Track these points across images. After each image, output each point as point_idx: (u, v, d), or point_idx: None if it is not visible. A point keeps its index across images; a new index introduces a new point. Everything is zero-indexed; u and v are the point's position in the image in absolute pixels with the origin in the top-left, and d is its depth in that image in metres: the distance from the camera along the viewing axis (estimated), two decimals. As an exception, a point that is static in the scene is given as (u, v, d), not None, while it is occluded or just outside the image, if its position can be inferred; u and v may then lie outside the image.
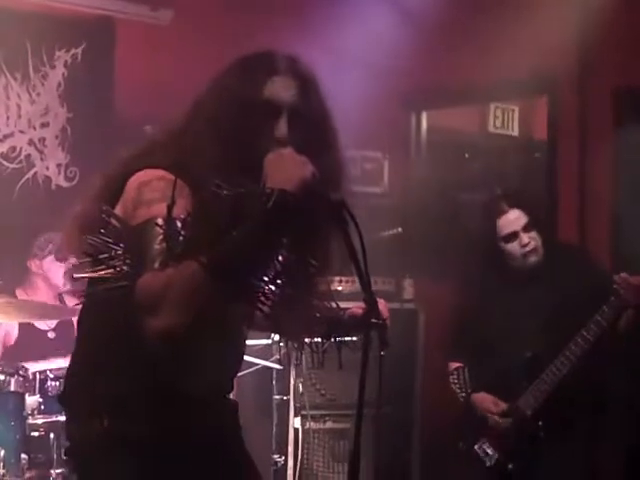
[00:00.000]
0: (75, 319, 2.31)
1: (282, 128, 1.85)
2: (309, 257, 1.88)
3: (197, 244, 1.68)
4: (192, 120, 1.88)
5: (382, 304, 1.94)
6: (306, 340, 2.07)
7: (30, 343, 3.85)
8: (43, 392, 3.41)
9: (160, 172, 1.80)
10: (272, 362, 3.74)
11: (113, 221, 1.76)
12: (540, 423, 3.31)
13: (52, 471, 3.34)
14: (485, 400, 3.41)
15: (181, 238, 1.69)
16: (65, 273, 3.87)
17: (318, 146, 1.87)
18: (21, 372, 3.38)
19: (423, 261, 4.56)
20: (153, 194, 1.76)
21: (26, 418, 3.37)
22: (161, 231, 1.69)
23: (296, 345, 2.06)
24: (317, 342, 2.08)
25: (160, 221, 1.70)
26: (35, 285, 3.95)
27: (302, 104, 1.88)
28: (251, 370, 3.71)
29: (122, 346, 1.84)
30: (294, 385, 3.92)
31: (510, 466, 3.37)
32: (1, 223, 4.17)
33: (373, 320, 1.76)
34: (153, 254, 1.68)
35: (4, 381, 3.34)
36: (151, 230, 1.70)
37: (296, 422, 3.95)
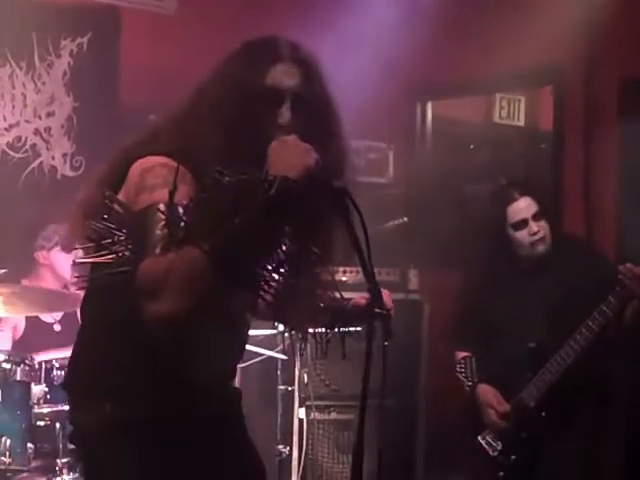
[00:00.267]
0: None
1: (285, 115, 1.85)
2: (311, 246, 1.87)
3: (199, 230, 1.68)
4: (195, 106, 1.89)
5: (386, 294, 1.93)
6: (310, 330, 2.07)
7: (36, 335, 3.86)
8: (49, 381, 3.42)
9: (163, 159, 1.81)
10: (277, 352, 3.74)
11: (116, 207, 1.77)
12: (543, 414, 3.31)
13: (58, 460, 3.35)
14: (488, 393, 3.40)
15: (182, 224, 1.69)
16: (72, 264, 3.88)
17: (321, 133, 1.87)
18: (27, 361, 3.39)
19: (428, 252, 4.55)
20: (155, 180, 1.76)
21: (32, 407, 3.38)
22: (163, 217, 1.69)
23: (300, 335, 2.06)
24: (321, 332, 2.09)
25: (162, 207, 1.70)
26: (42, 276, 3.96)
27: (305, 91, 1.88)
28: (256, 360, 3.71)
29: (124, 332, 1.84)
30: (299, 375, 3.92)
31: (513, 457, 3.37)
32: (7, 213, 4.18)
33: (377, 310, 1.76)
34: (154, 239, 1.68)
35: (10, 370, 3.34)
36: (153, 215, 1.70)
37: (301, 413, 3.96)
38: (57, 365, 3.42)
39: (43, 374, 3.42)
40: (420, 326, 4.28)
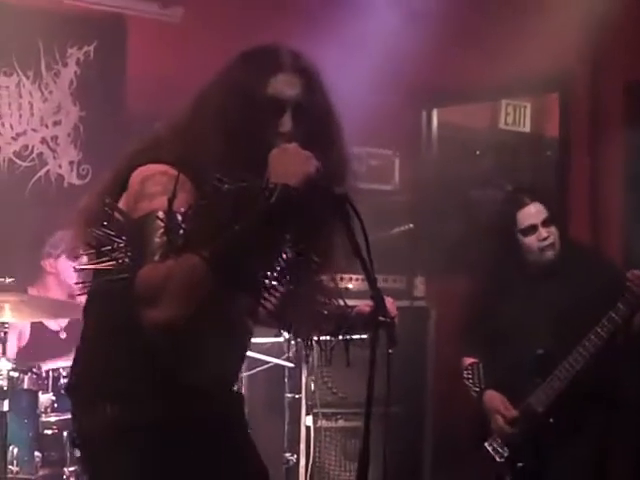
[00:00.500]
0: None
1: (286, 124, 1.86)
2: (312, 253, 1.88)
3: (198, 237, 1.69)
4: (196, 115, 1.90)
5: (390, 302, 1.93)
6: (314, 338, 2.07)
7: (42, 343, 3.87)
8: (56, 390, 3.42)
9: (163, 167, 1.82)
10: (284, 360, 3.74)
11: (116, 214, 1.78)
12: (551, 420, 3.30)
13: (65, 469, 3.36)
14: (495, 399, 3.39)
15: (181, 231, 1.70)
16: (75, 270, 3.89)
17: (322, 141, 1.88)
18: (34, 370, 3.40)
19: (434, 258, 4.55)
20: (155, 188, 1.77)
21: (39, 416, 3.39)
22: (162, 224, 1.70)
23: (304, 343, 2.06)
24: (325, 340, 2.09)
25: (161, 214, 1.71)
26: (48, 284, 3.97)
27: (306, 100, 1.89)
28: (263, 368, 3.71)
29: (125, 337, 1.85)
30: (306, 383, 3.93)
31: (520, 463, 3.37)
32: (14, 221, 4.19)
33: (380, 318, 1.76)
34: (154, 247, 1.69)
35: (17, 379, 3.35)
36: (152, 223, 1.71)
37: (308, 420, 3.96)
38: (64, 374, 3.42)
39: (50, 383, 3.43)
40: (427, 333, 4.28)
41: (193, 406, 1.90)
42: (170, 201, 1.71)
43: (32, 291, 3.94)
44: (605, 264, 3.48)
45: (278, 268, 1.80)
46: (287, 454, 3.81)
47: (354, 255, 1.76)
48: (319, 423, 3.98)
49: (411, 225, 4.36)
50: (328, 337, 2.09)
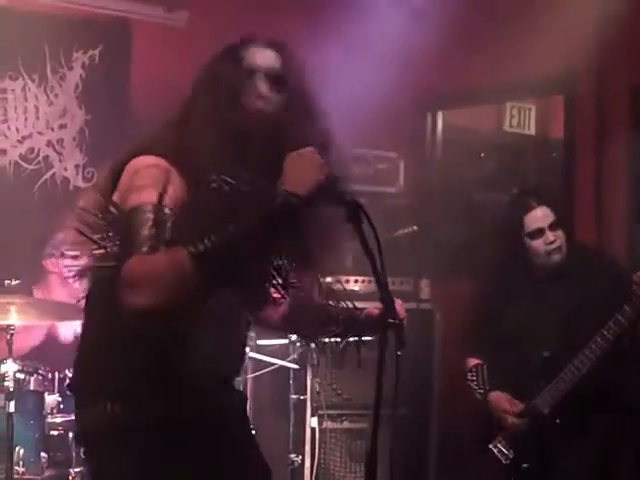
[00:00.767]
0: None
1: (261, 85, 1.94)
2: (310, 258, 1.90)
3: (189, 233, 1.71)
4: (185, 109, 1.97)
5: (399, 304, 1.95)
6: (324, 341, 2.08)
7: (49, 343, 3.87)
8: (62, 391, 3.43)
9: (153, 159, 1.86)
10: (289, 362, 3.75)
11: (109, 205, 1.81)
12: (557, 422, 3.30)
13: (71, 470, 3.37)
14: (501, 399, 3.41)
15: (169, 225, 1.73)
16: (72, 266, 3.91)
17: (301, 114, 1.95)
18: (40, 371, 3.41)
19: (439, 260, 4.55)
20: (144, 180, 1.80)
21: (45, 417, 3.40)
22: (150, 216, 1.73)
23: (313, 346, 2.08)
24: (335, 342, 2.10)
25: (149, 207, 1.74)
26: (51, 284, 3.98)
27: (280, 70, 1.98)
28: (268, 370, 3.72)
29: (125, 336, 1.87)
30: (311, 385, 3.93)
31: (525, 465, 3.37)
32: (20, 223, 4.20)
33: (390, 320, 1.77)
34: (141, 238, 1.72)
35: (24, 380, 3.36)
36: (140, 215, 1.74)
37: (313, 422, 3.96)
38: (70, 375, 3.43)
39: (56, 384, 3.44)
40: (432, 335, 4.28)
41: (194, 405, 1.91)
42: (160, 195, 1.74)
43: (37, 292, 3.96)
44: (611, 266, 3.48)
45: (279, 267, 1.82)
46: (292, 455, 3.82)
47: (367, 257, 1.78)
48: (324, 424, 3.98)
49: (415, 227, 4.36)
50: (338, 339, 2.10)
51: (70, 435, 3.37)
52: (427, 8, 4.37)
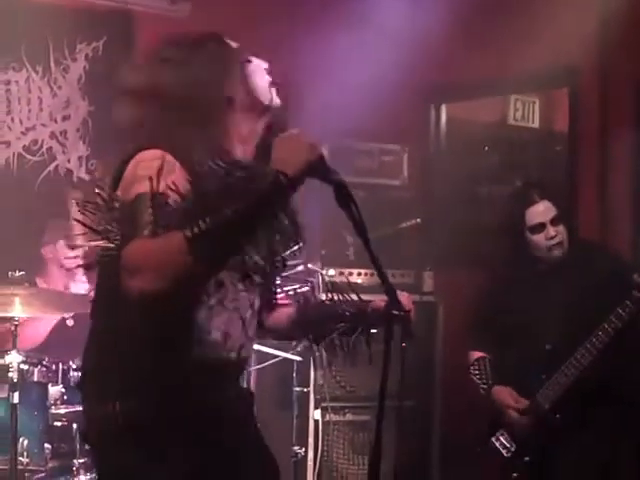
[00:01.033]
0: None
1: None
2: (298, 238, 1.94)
3: (188, 218, 1.72)
4: (179, 99, 1.96)
5: (405, 297, 1.95)
6: (332, 340, 2.09)
7: (52, 332, 3.88)
8: (66, 382, 3.44)
9: (155, 152, 1.88)
10: (292, 354, 3.75)
11: (111, 197, 1.85)
12: (558, 416, 3.31)
13: (75, 461, 3.38)
14: (504, 394, 3.41)
15: (169, 211, 1.75)
16: (76, 257, 3.92)
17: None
18: (44, 362, 3.42)
19: (442, 253, 4.55)
20: (145, 172, 1.83)
21: (49, 408, 3.40)
22: (149, 204, 1.76)
23: (326, 346, 2.09)
24: (344, 339, 2.10)
25: (149, 195, 1.77)
26: (50, 272, 4.00)
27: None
28: (272, 362, 3.73)
29: (133, 335, 1.88)
30: (314, 377, 3.94)
31: (527, 458, 3.37)
32: (23, 215, 4.21)
33: (394, 312, 1.77)
34: (142, 224, 1.75)
35: (27, 371, 3.37)
36: (141, 204, 1.77)
37: (316, 414, 3.97)
38: (74, 366, 3.44)
39: (60, 375, 3.45)
40: (435, 327, 4.29)
41: (201, 403, 1.92)
42: (160, 183, 1.78)
43: (39, 282, 3.97)
44: (613, 260, 3.47)
45: (267, 250, 1.85)
46: (295, 447, 3.82)
47: (359, 237, 1.80)
48: (327, 417, 3.99)
49: (419, 220, 4.36)
50: (346, 335, 2.10)
51: (74, 426, 3.38)
52: (431, 2, 4.36)
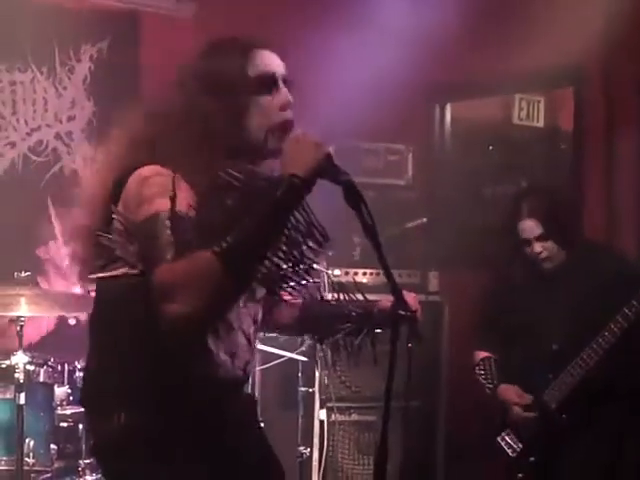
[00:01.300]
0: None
1: (285, 95, 1.92)
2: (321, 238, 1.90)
3: (207, 233, 1.71)
4: (184, 113, 1.90)
5: (411, 297, 1.94)
6: (337, 339, 2.08)
7: (58, 335, 3.89)
8: (72, 383, 3.45)
9: (157, 168, 1.84)
10: (298, 354, 3.75)
11: (119, 220, 1.81)
12: (564, 416, 3.30)
13: (81, 461, 3.39)
14: (510, 391, 3.41)
15: (187, 229, 1.73)
16: (71, 257, 3.91)
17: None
18: (50, 363, 3.42)
19: (448, 253, 4.55)
20: (153, 189, 1.79)
21: (55, 409, 3.41)
22: (167, 224, 1.73)
23: (330, 345, 2.08)
24: (349, 339, 2.09)
25: (164, 214, 1.74)
26: (48, 272, 4.00)
27: (286, 71, 1.96)
28: (277, 362, 3.73)
29: (134, 343, 1.87)
30: (319, 377, 3.94)
31: (532, 458, 3.37)
32: (29, 216, 4.21)
33: (401, 312, 1.76)
34: (163, 247, 1.71)
35: (33, 372, 3.38)
36: (157, 224, 1.74)
37: (322, 414, 3.97)
38: (80, 367, 3.44)
39: (66, 376, 3.45)
40: (441, 327, 4.28)
41: (207, 414, 1.92)
42: (172, 201, 1.74)
43: (42, 282, 3.98)
44: (619, 260, 3.46)
45: (291, 257, 1.82)
46: (301, 448, 3.83)
47: (367, 237, 1.79)
48: (333, 417, 3.99)
49: (424, 219, 4.36)
50: (352, 335, 2.09)
51: (80, 427, 3.39)
52: (435, 2, 4.36)
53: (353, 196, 1.79)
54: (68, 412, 3.43)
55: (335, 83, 4.16)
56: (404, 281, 4.08)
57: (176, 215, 1.73)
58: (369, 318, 2.08)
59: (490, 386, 3.48)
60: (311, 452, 3.91)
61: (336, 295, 2.13)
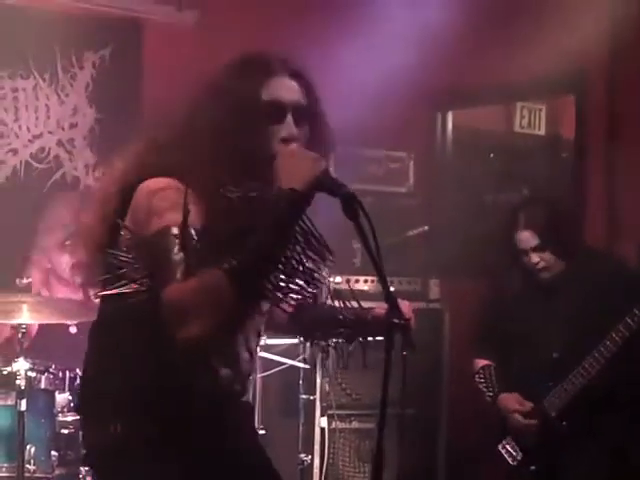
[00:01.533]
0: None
1: (290, 128, 1.88)
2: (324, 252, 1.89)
3: (214, 250, 1.70)
4: (194, 125, 1.89)
5: (405, 305, 1.94)
6: (331, 343, 2.09)
7: (55, 338, 3.88)
8: (73, 390, 3.44)
9: (167, 180, 1.82)
10: (299, 362, 3.75)
11: (127, 234, 1.80)
12: (564, 424, 3.30)
13: (81, 468, 3.37)
14: (510, 399, 3.41)
15: (197, 245, 1.72)
16: (72, 265, 3.92)
17: (318, 142, 1.91)
18: (51, 370, 3.42)
19: (449, 260, 4.55)
20: (163, 203, 1.78)
21: (56, 415, 3.40)
22: (177, 240, 1.72)
23: (321, 347, 2.08)
24: (342, 344, 2.10)
25: (175, 230, 1.72)
26: (50, 281, 4.00)
27: (304, 103, 1.91)
28: (278, 369, 3.73)
29: (136, 354, 1.88)
30: (320, 385, 3.94)
31: (533, 467, 3.37)
32: (30, 223, 4.22)
33: (395, 320, 1.76)
34: (173, 264, 1.70)
35: (34, 379, 3.37)
36: (166, 240, 1.73)
37: (322, 421, 3.97)
38: (81, 373, 3.43)
39: (67, 382, 3.45)
40: (441, 335, 4.28)
41: (204, 423, 1.91)
42: (185, 216, 1.73)
43: (43, 290, 3.98)
44: (621, 268, 3.47)
45: (293, 270, 1.81)
46: (302, 455, 3.83)
47: (365, 251, 1.79)
48: (333, 424, 3.99)
49: (426, 227, 4.36)
50: (344, 341, 2.10)
51: (81, 434, 3.38)
52: (438, 10, 4.37)
53: (351, 208, 1.78)
54: (69, 419, 3.43)
55: (336, 90, 4.17)
56: (405, 288, 4.09)
57: (186, 230, 1.72)
58: (363, 325, 2.09)
59: (490, 394, 3.48)
60: (312, 459, 3.91)
61: (332, 302, 2.13)
